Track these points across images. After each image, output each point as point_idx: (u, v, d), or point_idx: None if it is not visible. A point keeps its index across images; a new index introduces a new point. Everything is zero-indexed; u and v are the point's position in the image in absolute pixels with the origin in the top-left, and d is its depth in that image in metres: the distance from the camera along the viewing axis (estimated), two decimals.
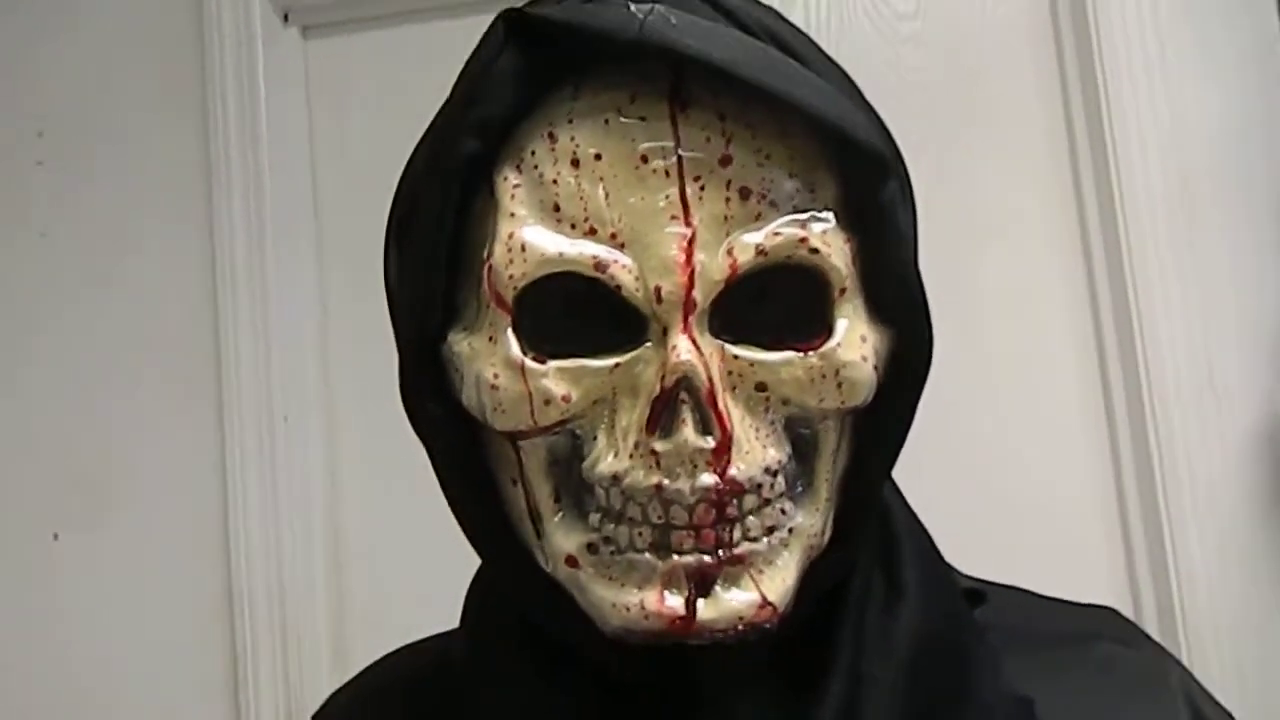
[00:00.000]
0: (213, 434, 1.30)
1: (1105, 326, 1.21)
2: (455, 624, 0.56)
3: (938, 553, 0.54)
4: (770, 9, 0.49)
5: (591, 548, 0.43)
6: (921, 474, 1.16)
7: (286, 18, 1.36)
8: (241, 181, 1.31)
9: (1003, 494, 1.20)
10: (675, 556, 0.42)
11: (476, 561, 0.54)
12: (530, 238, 0.42)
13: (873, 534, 0.51)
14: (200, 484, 1.30)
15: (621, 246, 0.41)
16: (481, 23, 1.39)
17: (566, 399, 0.42)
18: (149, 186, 1.35)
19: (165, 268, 1.34)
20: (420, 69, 1.33)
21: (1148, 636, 0.57)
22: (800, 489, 0.44)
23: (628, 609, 0.42)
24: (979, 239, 1.25)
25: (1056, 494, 1.20)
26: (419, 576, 1.20)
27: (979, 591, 0.55)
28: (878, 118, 0.49)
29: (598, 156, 0.42)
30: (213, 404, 1.30)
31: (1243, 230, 1.17)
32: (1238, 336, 1.16)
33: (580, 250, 0.41)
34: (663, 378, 0.41)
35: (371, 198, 1.33)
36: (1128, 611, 1.13)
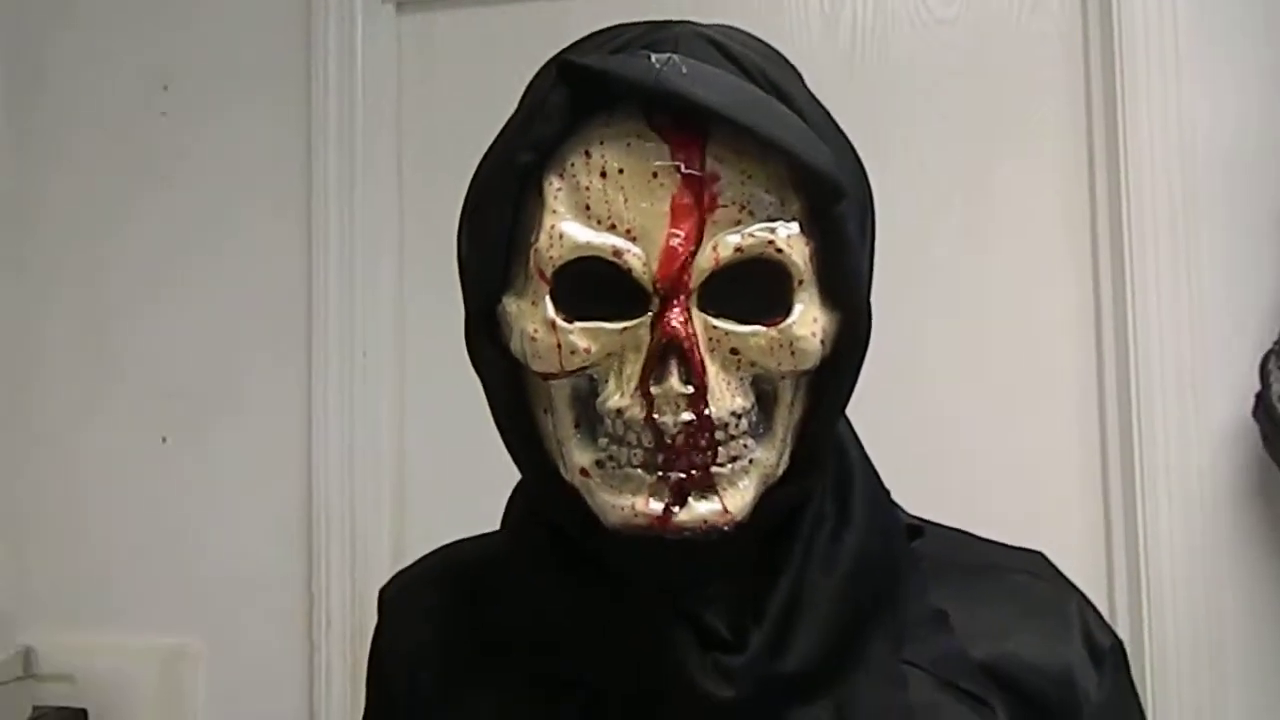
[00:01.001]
0: (301, 363, 1.44)
1: (1104, 319, 1.30)
2: (496, 527, 0.69)
3: (885, 490, 0.65)
4: (776, 58, 0.59)
5: (599, 463, 0.54)
6: (932, 439, 1.29)
7: None
8: (337, 140, 1.44)
9: (1000, 465, 1.32)
10: (660, 473, 0.53)
11: (512, 482, 0.66)
12: (566, 229, 0.53)
13: (829, 470, 0.61)
14: (288, 406, 1.45)
15: (634, 240, 0.52)
16: (560, 7, 1.51)
17: (587, 351, 0.53)
18: (256, 141, 1.49)
19: (267, 213, 1.48)
20: (501, 47, 1.45)
21: (1061, 575, 0.66)
22: (761, 430, 0.55)
23: (623, 509, 0.53)
24: (995, 232, 1.34)
25: (1048, 471, 1.31)
26: (468, 492, 1.33)
27: (918, 527, 0.66)
28: (847, 149, 0.59)
29: (620, 171, 0.53)
30: (302, 338, 1.44)
31: (1238, 243, 1.25)
32: (1223, 341, 1.24)
33: (603, 240, 0.53)
34: (658, 339, 0.52)
35: (451, 161, 1.49)
36: (1100, 580, 1.25)
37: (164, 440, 1.49)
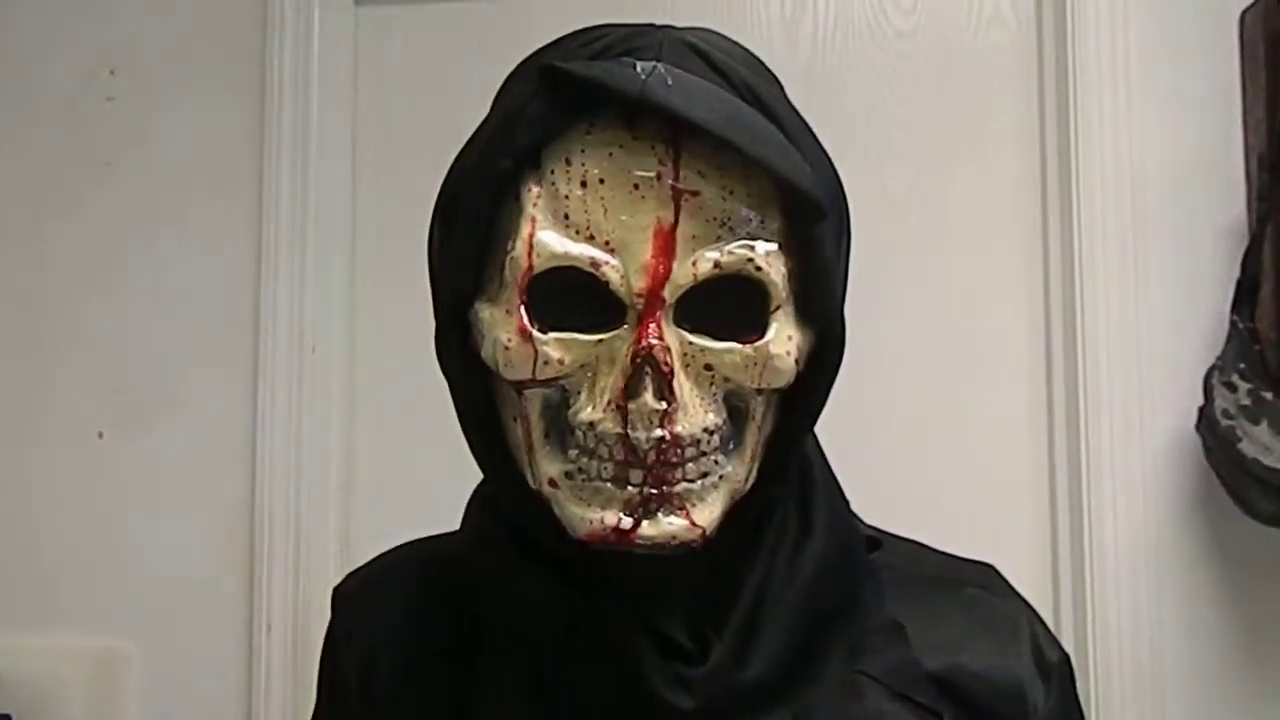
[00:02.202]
0: (247, 358, 1.41)
1: (1054, 332, 1.33)
2: (448, 529, 0.68)
3: (846, 503, 0.66)
4: (759, 68, 0.59)
5: (569, 475, 0.54)
6: (885, 447, 1.31)
7: None
8: (290, 133, 1.41)
9: (949, 476, 1.33)
10: (630, 487, 0.53)
11: (467, 484, 0.66)
12: (544, 238, 0.53)
13: (793, 482, 0.62)
14: (232, 402, 1.42)
15: (612, 251, 0.52)
16: (521, 4, 1.50)
17: (561, 361, 0.53)
18: (207, 130, 1.45)
19: (217, 204, 1.44)
20: (460, 43, 1.44)
21: (1012, 589, 0.68)
22: (732, 446, 0.56)
23: (591, 522, 0.53)
24: (949, 240, 1.36)
25: (996, 481, 1.33)
26: (419, 493, 1.32)
27: (876, 539, 0.67)
28: (827, 166, 0.59)
29: (601, 181, 0.53)
30: (249, 332, 1.41)
31: (1184, 260, 1.28)
32: (1169, 356, 1.27)
33: (581, 251, 0.52)
34: (633, 354, 0.52)
35: (406, 156, 1.48)
36: (1047, 589, 1.28)
37: (100, 435, 1.45)
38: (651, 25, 0.58)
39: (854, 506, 0.67)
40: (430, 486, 1.11)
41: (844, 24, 1.38)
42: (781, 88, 0.60)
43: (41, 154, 1.48)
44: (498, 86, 0.61)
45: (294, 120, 1.41)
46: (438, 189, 0.60)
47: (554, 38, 0.60)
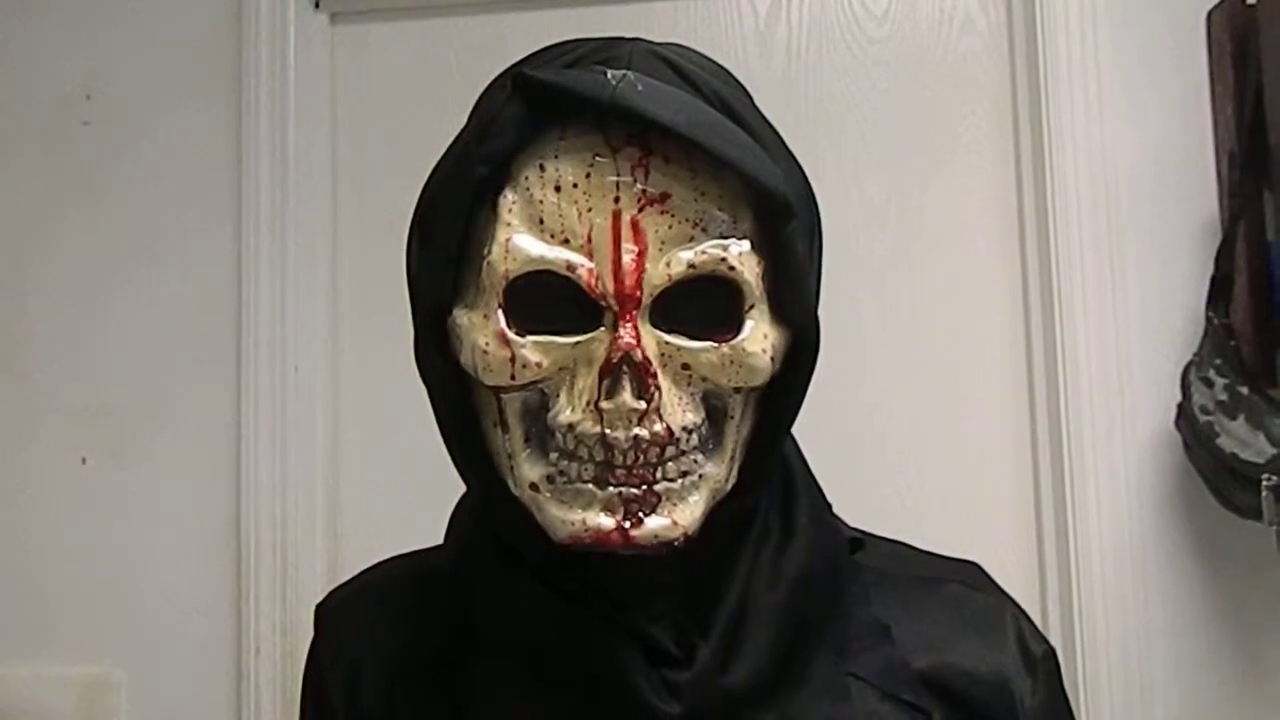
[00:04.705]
0: (230, 379, 1.41)
1: (1034, 334, 1.34)
2: (436, 544, 0.68)
3: (827, 504, 0.66)
4: (727, 78, 0.60)
5: (550, 478, 0.55)
6: (869, 450, 1.32)
7: (317, 4, 1.46)
8: (269, 152, 1.41)
9: (933, 476, 1.34)
10: (611, 488, 0.53)
11: (453, 499, 0.66)
12: (520, 242, 0.53)
13: (774, 484, 0.62)
14: (216, 424, 1.41)
15: (588, 254, 0.53)
16: (495, 21, 1.52)
17: (539, 365, 0.54)
18: (184, 151, 1.45)
19: (196, 225, 1.44)
20: (435, 59, 1.45)
21: (996, 585, 0.68)
22: (711, 446, 0.56)
23: (573, 524, 0.54)
24: (927, 246, 1.37)
25: (980, 481, 1.34)
26: (405, 510, 1.31)
27: (859, 539, 0.68)
28: (796, 169, 0.60)
29: (575, 185, 0.53)
30: (232, 353, 1.41)
31: (1159, 258, 1.30)
32: (1147, 354, 1.28)
33: (557, 255, 0.53)
34: (611, 354, 0.53)
35: (384, 174, 1.48)
36: (1033, 585, 1.29)
37: (84, 461, 1.44)
38: (622, 38, 0.59)
39: (838, 510, 0.67)
40: (416, 503, 1.10)
41: (818, 32, 1.39)
42: (750, 96, 0.61)
43: (19, 179, 1.48)
44: (474, 101, 0.61)
45: (272, 140, 1.41)
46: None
47: (529, 53, 0.61)
